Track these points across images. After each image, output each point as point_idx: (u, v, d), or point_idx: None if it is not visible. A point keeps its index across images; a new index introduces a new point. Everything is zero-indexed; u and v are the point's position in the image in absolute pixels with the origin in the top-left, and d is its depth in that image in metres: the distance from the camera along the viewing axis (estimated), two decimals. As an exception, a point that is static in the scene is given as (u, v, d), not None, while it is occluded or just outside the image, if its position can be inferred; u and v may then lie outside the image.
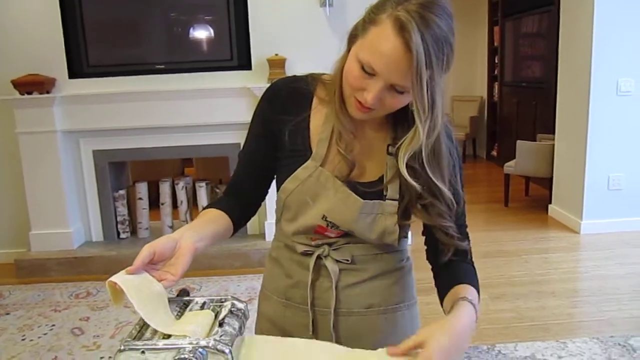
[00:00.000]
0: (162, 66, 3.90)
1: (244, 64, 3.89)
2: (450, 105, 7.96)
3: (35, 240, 3.96)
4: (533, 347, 1.02)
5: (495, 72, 7.30)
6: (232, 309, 0.92)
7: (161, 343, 0.81)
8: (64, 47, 3.83)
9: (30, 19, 3.80)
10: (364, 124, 1.06)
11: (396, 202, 1.05)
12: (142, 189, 4.16)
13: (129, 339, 0.82)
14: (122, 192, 4.14)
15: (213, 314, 0.89)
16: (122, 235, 4.16)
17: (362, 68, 0.92)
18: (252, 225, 4.09)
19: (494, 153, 7.47)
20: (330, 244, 1.11)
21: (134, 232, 4.24)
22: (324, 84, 1.08)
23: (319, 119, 1.08)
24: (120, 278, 0.88)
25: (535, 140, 5.32)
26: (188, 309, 0.92)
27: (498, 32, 7.09)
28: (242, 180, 1.16)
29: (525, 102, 6.26)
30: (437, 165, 1.00)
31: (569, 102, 4.55)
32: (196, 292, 3.45)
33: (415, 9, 0.87)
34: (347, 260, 1.10)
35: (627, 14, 4.09)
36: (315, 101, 1.09)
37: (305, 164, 1.06)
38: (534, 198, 5.51)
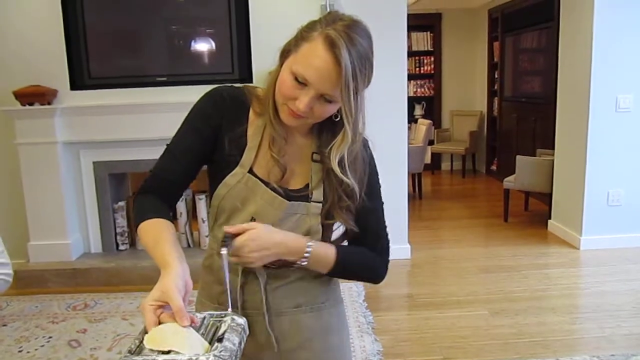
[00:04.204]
0: (164, 78, 3.92)
1: (245, 76, 3.91)
2: (449, 120, 7.99)
3: (33, 251, 3.95)
4: (533, 365, 1.02)
5: (495, 87, 7.33)
6: (232, 324, 0.91)
7: (160, 358, 0.81)
8: (66, 58, 3.85)
9: (33, 31, 3.82)
10: (294, 132, 1.17)
11: (320, 205, 1.16)
12: (141, 200, 4.16)
13: (127, 354, 0.82)
14: (121, 203, 4.14)
15: (207, 343, 0.88)
16: (121, 247, 4.14)
17: (296, 79, 1.04)
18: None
19: (494, 168, 7.48)
20: None
21: (132, 244, 4.22)
22: (258, 98, 1.17)
23: (252, 129, 1.17)
24: (169, 335, 0.86)
25: (534, 155, 5.33)
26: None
27: (498, 48, 7.13)
28: (172, 174, 1.18)
29: (525, 117, 6.29)
30: (354, 169, 1.13)
31: (569, 118, 4.57)
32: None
33: (342, 29, 1.01)
34: (274, 265, 1.16)
35: (626, 31, 4.12)
36: (251, 114, 1.18)
37: (234, 171, 1.15)
38: (533, 213, 5.51)
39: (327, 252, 1.15)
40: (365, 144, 1.18)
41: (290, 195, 1.15)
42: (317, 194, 1.16)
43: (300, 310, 1.22)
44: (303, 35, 1.05)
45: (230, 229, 1.05)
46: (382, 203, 1.24)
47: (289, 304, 1.20)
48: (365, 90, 1.07)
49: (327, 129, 1.14)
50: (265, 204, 1.14)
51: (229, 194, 1.15)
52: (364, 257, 1.22)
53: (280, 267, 1.18)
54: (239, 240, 1.04)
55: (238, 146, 1.16)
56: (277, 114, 1.12)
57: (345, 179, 1.11)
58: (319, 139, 1.17)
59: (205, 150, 1.18)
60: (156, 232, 1.08)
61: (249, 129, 1.17)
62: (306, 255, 1.11)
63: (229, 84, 1.21)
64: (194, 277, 1.00)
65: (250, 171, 1.15)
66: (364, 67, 1.03)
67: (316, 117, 1.09)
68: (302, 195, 1.16)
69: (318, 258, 1.14)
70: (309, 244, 1.12)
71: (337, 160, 1.10)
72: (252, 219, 1.14)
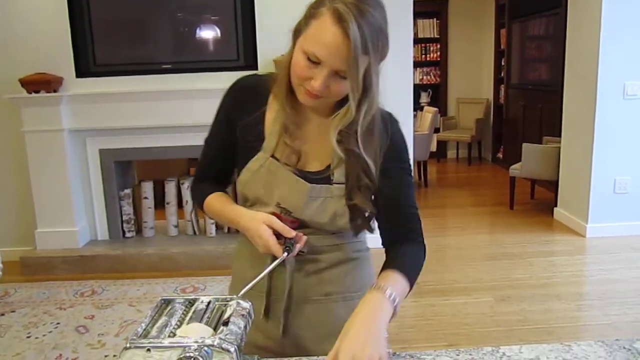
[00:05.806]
0: (169, 66, 3.91)
1: (251, 64, 3.90)
2: (455, 108, 7.96)
3: (41, 239, 3.98)
4: (538, 350, 1.02)
5: (502, 75, 7.28)
6: (237, 309, 0.92)
7: (167, 341, 0.82)
8: (71, 46, 3.85)
9: (39, 18, 3.82)
10: (314, 114, 1.15)
11: (343, 186, 1.13)
12: (147, 188, 4.18)
13: (135, 337, 0.83)
14: (127, 191, 4.15)
15: (211, 330, 0.89)
16: (128, 234, 4.17)
17: (308, 58, 1.01)
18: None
19: (500, 155, 7.45)
20: None
21: (139, 231, 4.24)
22: (276, 81, 1.15)
23: (272, 114, 1.16)
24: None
25: (541, 143, 5.30)
26: (193, 307, 0.93)
27: (505, 35, 7.08)
28: (211, 164, 1.28)
29: (532, 104, 6.25)
30: (370, 145, 1.09)
31: (576, 105, 4.54)
32: (200, 292, 3.46)
33: (351, 1, 0.97)
34: (304, 252, 1.15)
35: (634, 17, 4.08)
36: (271, 97, 1.17)
37: (256, 156, 1.15)
38: (539, 201, 5.49)
39: (404, 287, 1.10)
40: (388, 120, 1.14)
41: (310, 179, 1.14)
42: (339, 175, 1.13)
43: (331, 299, 1.19)
44: (311, 13, 1.02)
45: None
46: (412, 178, 1.19)
47: (318, 292, 1.19)
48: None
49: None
50: (289, 188, 1.13)
51: (252, 179, 1.15)
52: (418, 260, 1.17)
53: (311, 253, 1.16)
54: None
55: (255, 132, 1.16)
56: (289, 99, 1.11)
57: (339, 152, 1.08)
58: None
59: (230, 139, 1.20)
60: (219, 202, 1.21)
61: (268, 114, 1.16)
62: (396, 308, 1.06)
63: (254, 73, 1.23)
64: (221, 263, 1.00)
65: (272, 156, 1.15)
66: (377, 39, 0.99)
67: (334, 95, 1.05)
68: (323, 177, 1.14)
69: (402, 298, 1.09)
70: (391, 298, 1.04)
71: (336, 132, 1.08)
72: (277, 204, 1.14)
